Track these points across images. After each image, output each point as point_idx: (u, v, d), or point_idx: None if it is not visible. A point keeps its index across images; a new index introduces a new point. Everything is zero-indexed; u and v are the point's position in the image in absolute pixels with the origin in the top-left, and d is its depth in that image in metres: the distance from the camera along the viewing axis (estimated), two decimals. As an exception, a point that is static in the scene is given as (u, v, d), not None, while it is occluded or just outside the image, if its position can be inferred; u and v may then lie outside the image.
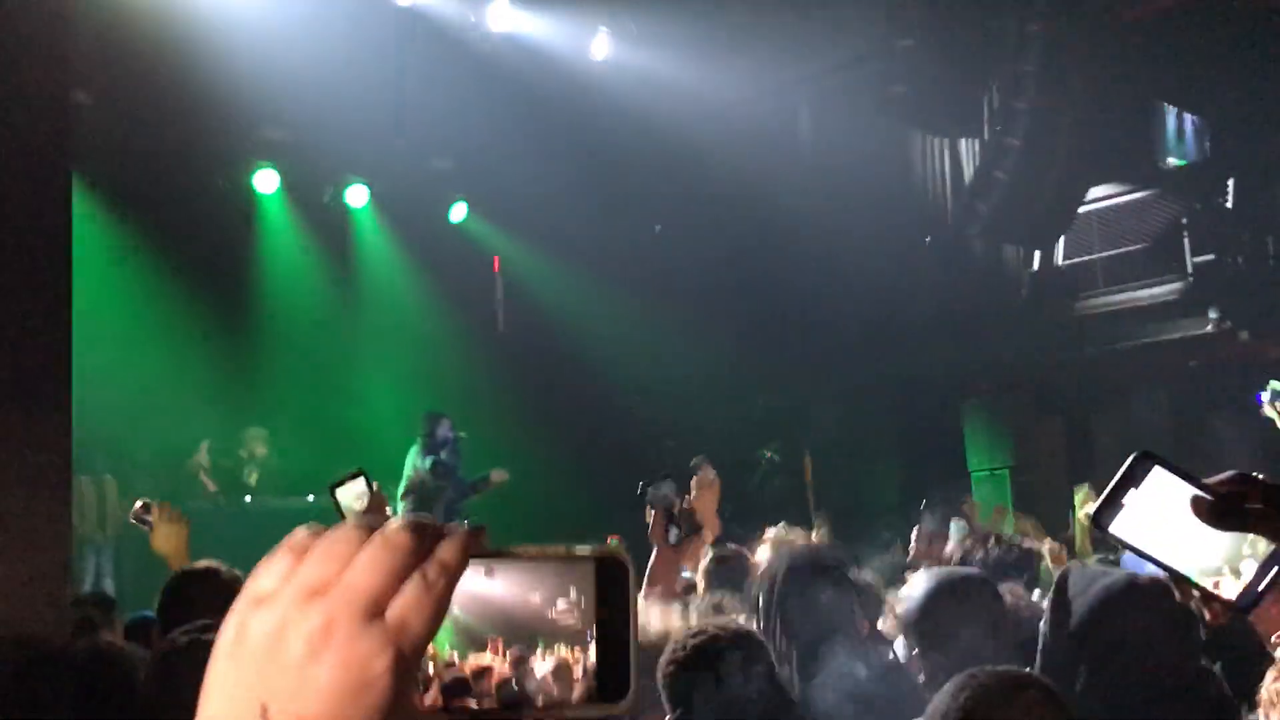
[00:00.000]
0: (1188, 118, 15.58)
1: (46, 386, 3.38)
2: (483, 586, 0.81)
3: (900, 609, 3.61)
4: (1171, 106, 15.44)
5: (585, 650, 0.81)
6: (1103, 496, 1.35)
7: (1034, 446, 15.29)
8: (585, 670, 0.81)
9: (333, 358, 13.86)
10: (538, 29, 12.87)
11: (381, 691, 0.72)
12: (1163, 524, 1.31)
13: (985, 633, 3.27)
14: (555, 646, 0.81)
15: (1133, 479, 1.34)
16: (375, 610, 0.73)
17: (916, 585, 3.56)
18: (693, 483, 4.96)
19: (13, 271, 3.56)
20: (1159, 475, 1.33)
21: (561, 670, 0.81)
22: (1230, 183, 13.98)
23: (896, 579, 5.82)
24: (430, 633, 0.75)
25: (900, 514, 11.26)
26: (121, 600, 10.47)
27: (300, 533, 0.78)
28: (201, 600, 3.66)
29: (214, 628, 2.31)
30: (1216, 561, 1.30)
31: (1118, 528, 1.34)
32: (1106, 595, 3.10)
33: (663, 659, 2.92)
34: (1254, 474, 1.29)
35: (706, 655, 2.86)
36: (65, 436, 3.47)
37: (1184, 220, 13.95)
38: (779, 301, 14.79)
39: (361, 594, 0.73)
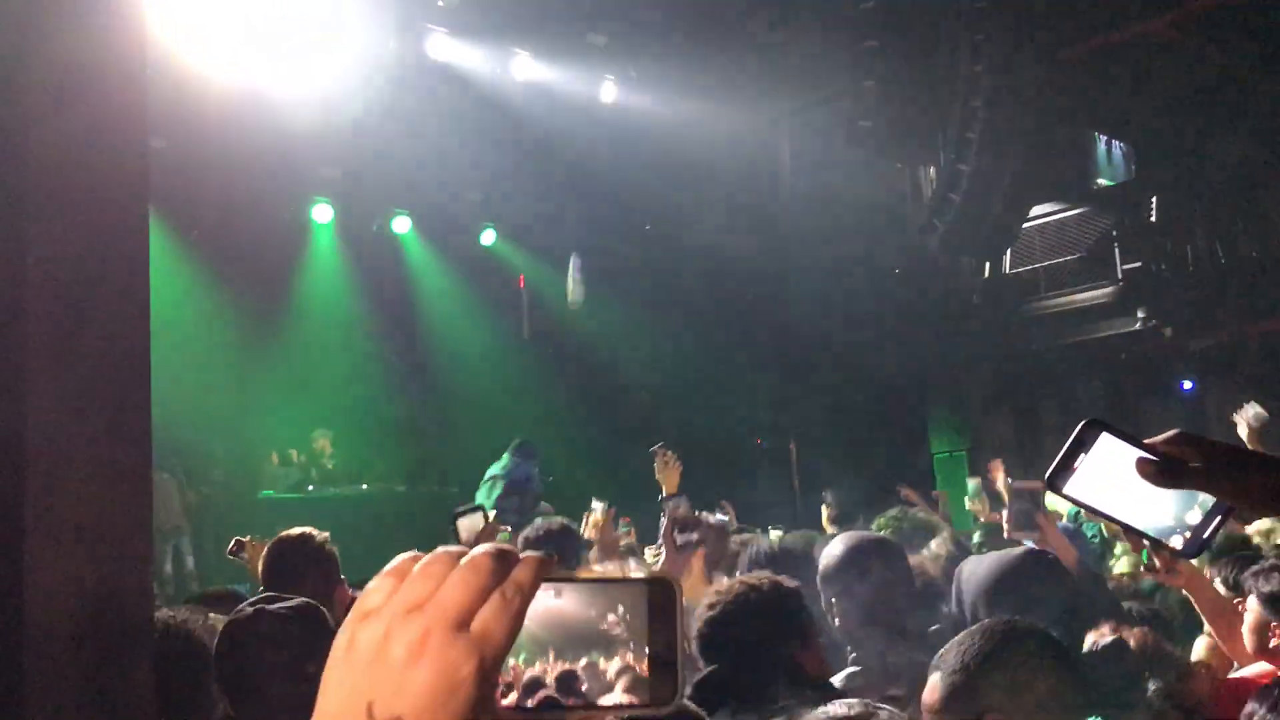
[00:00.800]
0: (1116, 144, 15.54)
1: (129, 392, 3.28)
2: (553, 604, 0.84)
3: (821, 565, 3.64)
4: (1102, 134, 15.38)
5: (639, 660, 0.83)
6: (1055, 461, 1.31)
7: (988, 431, 15.23)
8: (639, 676, 0.83)
9: (381, 363, 13.80)
10: (554, 78, 12.80)
11: (468, 693, 0.74)
12: (1112, 484, 1.28)
13: (887, 584, 3.36)
14: (614, 656, 0.83)
15: (1082, 444, 1.30)
16: (463, 623, 0.76)
17: (835, 546, 3.63)
18: (656, 464, 5.24)
19: (101, 292, 3.47)
20: (1106, 440, 1.29)
21: (621, 675, 0.83)
22: (1154, 200, 13.91)
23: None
24: (509, 643, 0.78)
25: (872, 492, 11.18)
26: (205, 579, 10.48)
27: (402, 558, 0.81)
28: (299, 563, 3.59)
29: (278, 599, 2.20)
30: (1164, 516, 1.28)
31: (1071, 489, 1.30)
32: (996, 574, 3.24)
33: (699, 613, 2.83)
34: (1193, 433, 1.25)
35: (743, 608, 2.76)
36: (146, 437, 3.37)
37: (1114, 233, 13.88)
38: (769, 307, 14.72)
39: (452, 609, 0.76)
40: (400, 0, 11.48)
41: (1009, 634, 2.18)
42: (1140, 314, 12.85)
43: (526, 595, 0.79)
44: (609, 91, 13.34)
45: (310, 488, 12.52)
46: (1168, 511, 1.27)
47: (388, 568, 0.80)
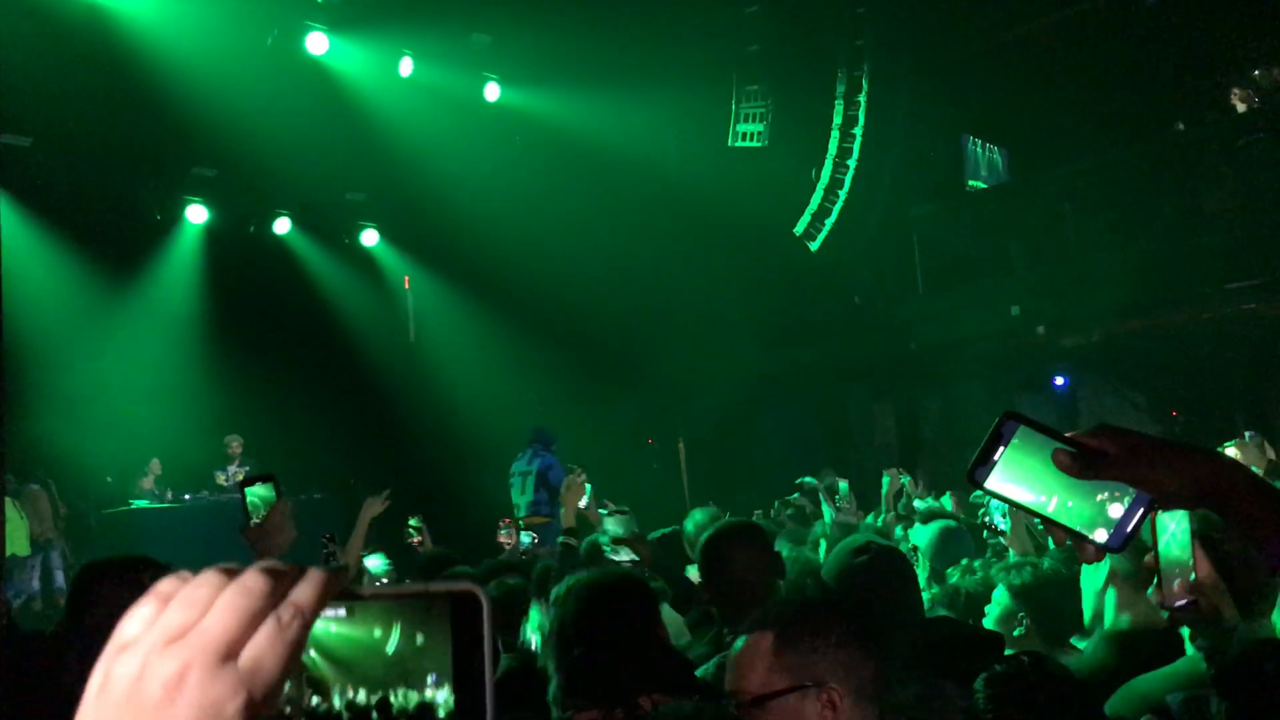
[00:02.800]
0: (991, 147, 15.99)
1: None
2: (342, 627, 0.74)
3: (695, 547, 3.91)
4: (978, 138, 15.81)
5: (443, 686, 0.73)
6: (975, 455, 1.28)
7: (871, 426, 15.53)
8: (443, 706, 0.73)
9: (267, 368, 13.50)
10: (437, 77, 12.69)
11: None
12: (1032, 477, 1.26)
13: (754, 564, 3.49)
14: (414, 682, 0.73)
15: (1001, 438, 1.27)
16: (229, 654, 0.67)
17: (707, 530, 3.78)
18: (563, 485, 5.19)
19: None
20: (1025, 433, 1.27)
21: (422, 704, 0.73)
22: (1028, 201, 14.33)
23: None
24: (283, 675, 0.68)
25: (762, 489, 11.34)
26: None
27: (167, 581, 0.71)
28: (93, 586, 3.45)
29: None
30: (1087, 510, 1.25)
31: (991, 483, 1.28)
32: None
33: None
34: (1116, 426, 1.24)
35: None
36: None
37: (991, 233, 14.25)
38: (654, 311, 14.77)
39: (215, 639, 0.67)
40: (277, -3, 11.28)
41: (821, 607, 2.24)
42: (1014, 312, 13.22)
43: (307, 619, 0.70)
44: (493, 90, 13.28)
45: (187, 496, 12.22)
46: (1091, 505, 1.25)
47: (151, 591, 0.71)
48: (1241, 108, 13.23)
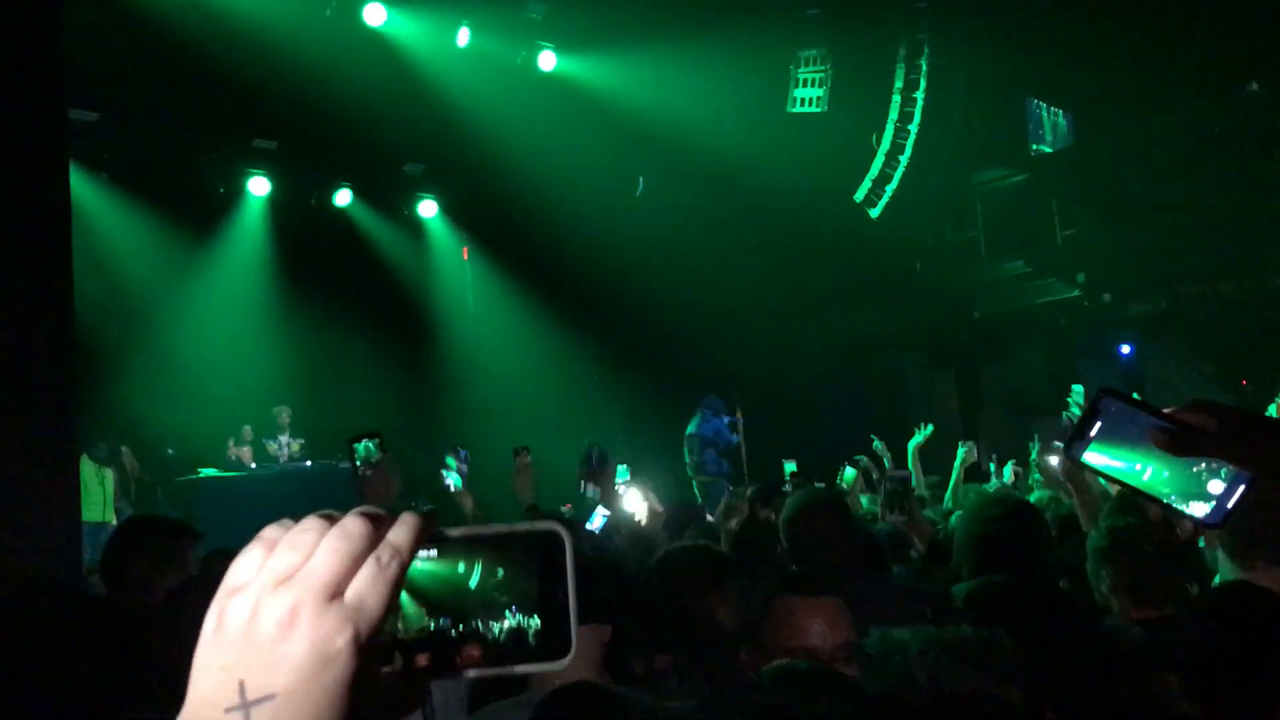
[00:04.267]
0: (1055, 111, 15.71)
1: (49, 370, 3.28)
2: (436, 565, 0.81)
3: None
4: (1043, 102, 15.55)
5: (530, 615, 0.81)
6: (1073, 431, 1.32)
7: (931, 395, 15.43)
8: (530, 632, 0.81)
9: (328, 339, 13.70)
10: (492, 48, 12.75)
11: (343, 665, 0.72)
12: (1128, 453, 1.28)
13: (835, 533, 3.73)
14: (503, 613, 0.81)
15: (1097, 414, 1.30)
16: (335, 592, 0.73)
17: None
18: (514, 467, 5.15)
19: (20, 271, 3.46)
20: (1120, 408, 1.29)
21: (510, 634, 0.81)
22: (1094, 166, 14.10)
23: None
24: (385, 610, 0.74)
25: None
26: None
27: (271, 528, 0.77)
28: (128, 548, 3.56)
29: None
30: (1184, 484, 1.27)
31: (1088, 458, 1.30)
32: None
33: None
34: (1213, 401, 1.26)
35: None
36: (66, 415, 3.37)
37: (1053, 199, 14.04)
38: (712, 276, 14.76)
39: (322, 579, 0.73)
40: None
41: None
42: (1079, 279, 13.05)
43: (403, 559, 0.76)
44: (548, 59, 13.30)
45: (254, 465, 12.46)
46: (1189, 479, 1.27)
47: (257, 538, 0.77)
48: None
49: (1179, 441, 1.23)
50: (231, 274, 13.36)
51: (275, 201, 13.56)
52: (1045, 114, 15.64)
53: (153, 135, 11.99)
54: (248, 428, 12.65)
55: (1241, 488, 1.25)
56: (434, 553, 0.81)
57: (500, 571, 0.81)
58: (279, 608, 0.72)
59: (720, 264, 14.57)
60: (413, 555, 0.77)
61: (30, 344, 3.26)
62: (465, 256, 15.25)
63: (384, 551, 0.75)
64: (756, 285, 14.76)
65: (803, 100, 14.95)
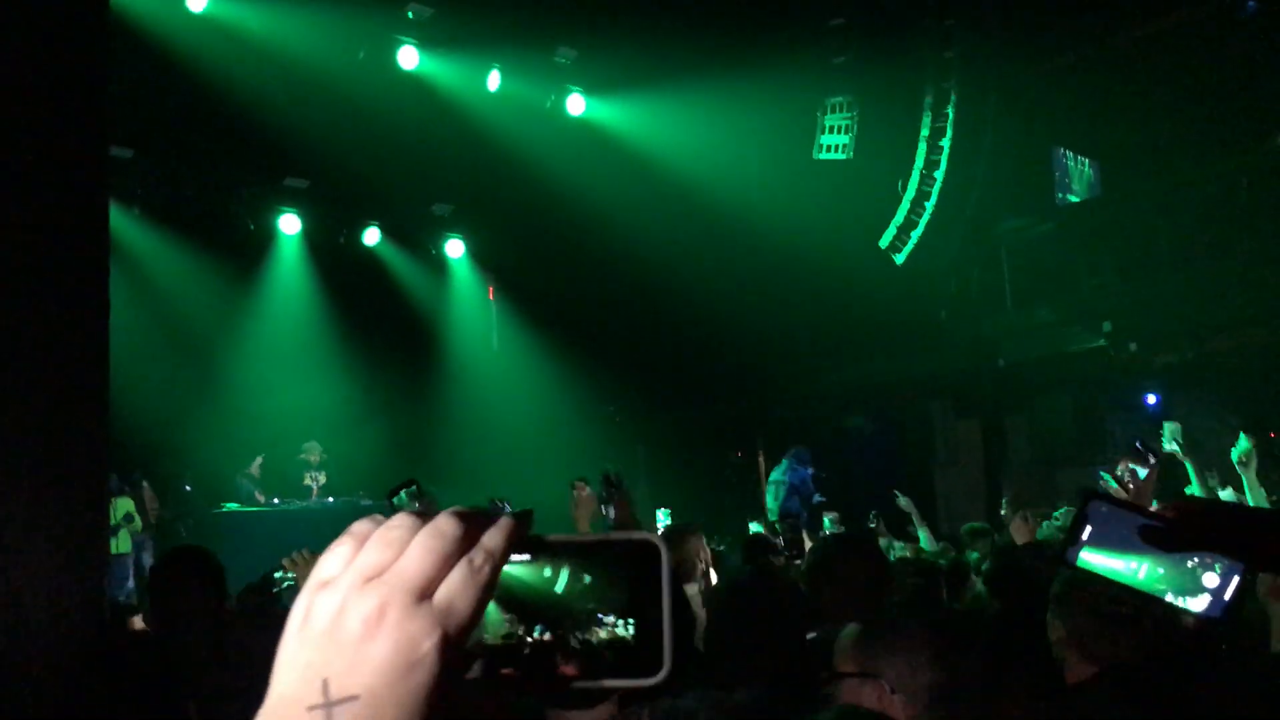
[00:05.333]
0: (1084, 159, 15.73)
1: (85, 398, 3.32)
2: (528, 570, 0.78)
3: None
4: (1069, 150, 15.57)
5: (622, 628, 0.77)
6: (1065, 536, 1.33)
7: (955, 443, 15.35)
8: (622, 646, 0.77)
9: (352, 376, 13.79)
10: (522, 92, 12.91)
11: (429, 669, 0.69)
12: (1121, 553, 1.30)
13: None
14: (595, 626, 0.78)
15: (1086, 517, 1.32)
16: (424, 593, 0.70)
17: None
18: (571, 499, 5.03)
19: (58, 301, 3.52)
20: (1109, 510, 1.31)
21: (603, 646, 0.78)
22: (1120, 215, 14.08)
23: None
24: (476, 614, 0.72)
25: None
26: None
27: (362, 523, 0.75)
28: (181, 576, 3.62)
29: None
30: (1179, 580, 1.29)
31: (1083, 561, 1.33)
32: None
33: None
34: (1195, 498, 1.29)
35: None
36: (102, 443, 3.41)
37: (1079, 248, 14.02)
38: (736, 322, 14.80)
39: (412, 578, 0.70)
40: (370, 12, 11.56)
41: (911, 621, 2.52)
42: (1106, 329, 13.00)
43: (497, 562, 0.73)
44: (577, 104, 13.45)
45: (276, 500, 12.51)
46: (1183, 573, 1.28)
47: (346, 532, 0.74)
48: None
49: (1170, 538, 1.25)
50: (258, 311, 13.52)
51: (304, 239, 13.73)
52: (1073, 163, 15.66)
53: (186, 172, 12.18)
54: (258, 460, 12.69)
55: (1236, 579, 1.27)
56: (526, 557, 0.78)
57: (593, 581, 0.78)
58: (366, 606, 0.69)
59: (745, 309, 14.61)
60: (506, 559, 0.74)
61: (67, 373, 3.31)
62: (491, 296, 15.36)
63: (477, 554, 0.72)
64: (781, 331, 14.79)
65: (829, 147, 15.04)
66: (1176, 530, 1.24)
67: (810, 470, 12.92)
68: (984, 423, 15.32)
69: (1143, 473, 4.58)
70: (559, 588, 0.78)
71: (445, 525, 0.72)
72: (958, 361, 14.40)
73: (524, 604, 0.78)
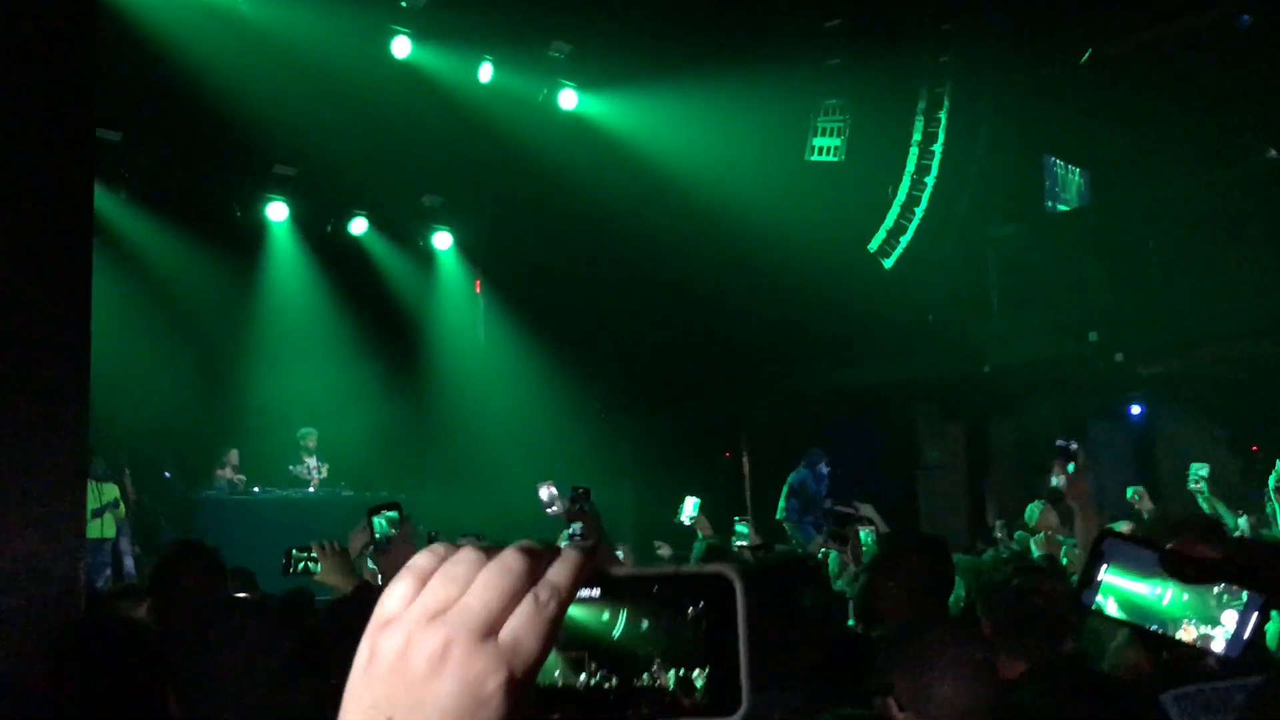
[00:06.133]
0: (1073, 169, 15.78)
1: (64, 383, 3.30)
2: (595, 607, 0.76)
3: None
4: (1059, 159, 15.62)
5: (697, 665, 0.75)
6: (1080, 578, 1.31)
7: (940, 448, 15.38)
8: (697, 685, 0.75)
9: (338, 367, 13.74)
10: (514, 85, 12.88)
11: (495, 709, 0.68)
12: (1137, 590, 1.27)
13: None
14: (667, 662, 0.75)
15: (1102, 556, 1.29)
16: (490, 631, 0.69)
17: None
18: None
19: (40, 283, 3.49)
20: (1124, 547, 1.29)
21: (676, 685, 0.75)
22: (1109, 224, 14.12)
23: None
24: (543, 652, 0.70)
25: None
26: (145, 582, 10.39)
27: (423, 557, 0.73)
28: (180, 567, 3.68)
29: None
30: (1197, 611, 1.26)
31: (1099, 604, 1.30)
32: None
33: None
34: (1210, 527, 1.27)
35: None
36: (81, 427, 3.39)
37: (1068, 257, 14.06)
38: (723, 322, 14.81)
39: (477, 615, 0.69)
40: (363, 1, 11.53)
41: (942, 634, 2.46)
42: (1092, 337, 13.03)
43: (564, 599, 0.71)
44: (569, 98, 13.42)
45: (256, 489, 12.45)
46: (1204, 606, 1.25)
47: (408, 567, 0.73)
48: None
49: (1190, 568, 1.23)
50: (243, 298, 13.46)
51: (291, 227, 13.68)
52: (1063, 172, 15.71)
53: (174, 156, 12.11)
54: (234, 451, 12.64)
55: (1255, 615, 1.24)
56: (595, 592, 0.76)
57: (665, 616, 0.75)
58: (431, 644, 0.68)
59: (734, 308, 14.61)
60: (573, 595, 0.73)
61: (47, 356, 3.28)
62: (478, 290, 15.33)
63: (543, 590, 0.71)
64: (770, 331, 14.79)
65: (821, 149, 15.05)
66: (1196, 560, 1.22)
67: (808, 471, 13.00)
68: (968, 427, 15.35)
69: (1070, 467, 4.65)
70: (631, 625, 0.76)
71: (511, 561, 0.71)
72: (944, 366, 14.41)
73: (594, 642, 0.76)
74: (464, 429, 14.14)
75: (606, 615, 0.76)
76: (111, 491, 11.74)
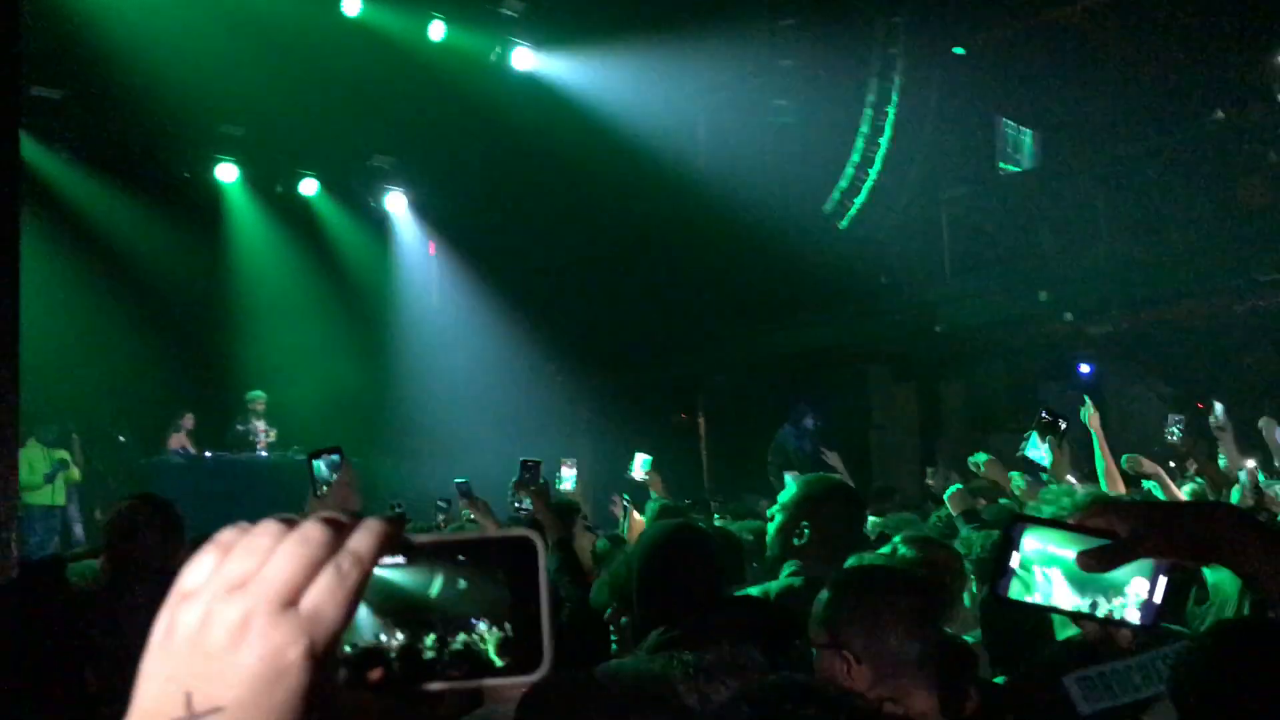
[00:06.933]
0: (1025, 130, 15.82)
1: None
2: (400, 573, 0.76)
3: None
4: (1011, 120, 15.65)
5: (500, 626, 0.76)
6: (992, 568, 1.27)
7: (891, 408, 15.48)
8: (501, 643, 0.76)
9: (291, 330, 13.55)
10: (466, 43, 12.66)
11: (296, 678, 0.67)
12: (1050, 574, 1.24)
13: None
14: (473, 624, 0.76)
15: (1012, 542, 1.26)
16: (289, 601, 0.69)
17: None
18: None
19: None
20: (1033, 533, 1.25)
21: (479, 644, 0.77)
22: (1059, 186, 14.18)
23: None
24: (343, 620, 0.70)
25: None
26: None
27: (227, 531, 0.72)
28: (138, 524, 3.61)
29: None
30: (1111, 591, 1.24)
31: (1014, 592, 1.26)
32: None
33: None
34: (1110, 500, 1.23)
35: None
36: (12, 394, 3.28)
37: (1019, 218, 14.12)
38: (678, 284, 14.76)
39: (277, 586, 0.69)
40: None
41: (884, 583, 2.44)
42: (1041, 297, 13.10)
43: (365, 566, 0.72)
44: (524, 58, 13.23)
45: (209, 454, 12.28)
46: (1115, 587, 1.23)
47: (211, 541, 0.72)
48: (1281, 98, 13.05)
49: (1106, 558, 1.20)
50: (192, 260, 13.20)
51: (241, 188, 13.44)
52: (1014, 133, 15.74)
53: (117, 115, 11.81)
54: (190, 415, 12.45)
55: (1163, 580, 1.23)
56: (401, 560, 0.76)
57: (470, 580, 0.77)
58: (230, 616, 0.68)
59: (689, 269, 14.56)
60: (375, 563, 0.72)
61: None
62: (432, 252, 15.17)
63: (344, 559, 0.71)
64: (723, 293, 14.77)
65: (775, 109, 14.96)
66: (1109, 548, 1.20)
67: (791, 428, 13.06)
68: (920, 388, 15.44)
69: (1049, 460, 4.57)
70: (437, 590, 0.77)
71: (311, 531, 0.71)
72: (896, 327, 14.46)
73: (401, 608, 0.76)
74: (417, 392, 14.02)
75: (413, 581, 0.76)
76: (60, 455, 11.59)
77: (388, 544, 0.73)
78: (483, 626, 0.76)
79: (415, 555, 0.76)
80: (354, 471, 3.08)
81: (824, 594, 2.39)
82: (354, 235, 14.47)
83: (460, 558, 0.77)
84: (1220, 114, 13.77)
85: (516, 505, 4.92)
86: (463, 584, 0.77)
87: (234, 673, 0.67)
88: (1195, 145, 13.13)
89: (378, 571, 0.73)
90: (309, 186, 13.91)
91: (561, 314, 14.54)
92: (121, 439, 12.93)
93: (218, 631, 0.67)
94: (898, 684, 2.22)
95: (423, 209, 14.82)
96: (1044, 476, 4.58)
